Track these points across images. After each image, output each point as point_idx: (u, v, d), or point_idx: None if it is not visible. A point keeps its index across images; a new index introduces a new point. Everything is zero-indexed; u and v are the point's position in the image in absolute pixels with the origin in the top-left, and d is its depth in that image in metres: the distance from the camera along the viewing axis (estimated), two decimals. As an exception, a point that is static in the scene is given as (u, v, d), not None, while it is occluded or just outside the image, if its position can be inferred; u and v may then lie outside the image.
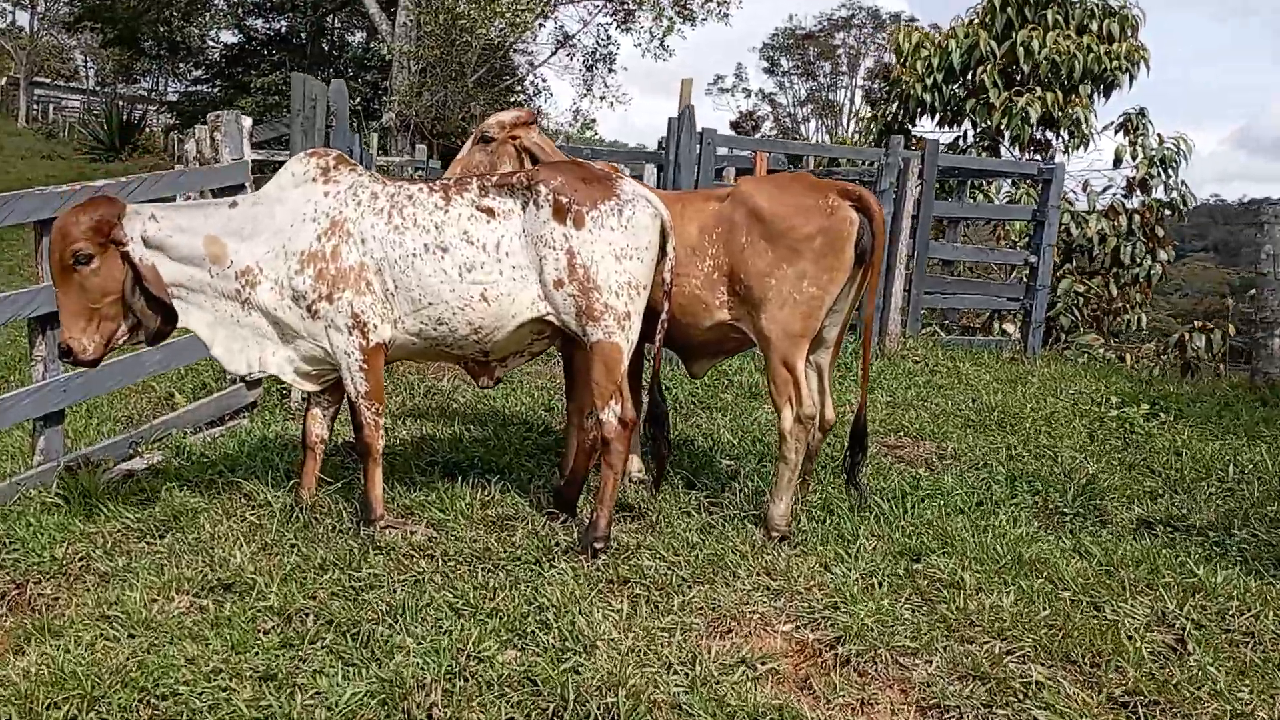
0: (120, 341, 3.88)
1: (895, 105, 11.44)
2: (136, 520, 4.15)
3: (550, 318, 3.92)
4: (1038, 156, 11.29)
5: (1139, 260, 10.41)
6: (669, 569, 3.75)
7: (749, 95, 60.36)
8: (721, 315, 4.22)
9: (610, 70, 26.53)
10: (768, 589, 3.60)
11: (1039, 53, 10.17)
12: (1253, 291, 9.38)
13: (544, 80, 27.96)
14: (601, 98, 26.57)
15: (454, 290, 3.88)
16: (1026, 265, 8.92)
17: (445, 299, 3.89)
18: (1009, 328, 9.88)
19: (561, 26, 26.04)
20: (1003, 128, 10.50)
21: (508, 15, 20.18)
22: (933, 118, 11.49)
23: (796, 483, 4.09)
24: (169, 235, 3.84)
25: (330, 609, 3.41)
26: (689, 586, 3.64)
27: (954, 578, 3.58)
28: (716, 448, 5.40)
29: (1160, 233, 10.71)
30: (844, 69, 58.81)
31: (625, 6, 25.03)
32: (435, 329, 3.96)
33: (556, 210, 3.82)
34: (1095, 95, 10.68)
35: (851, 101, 57.96)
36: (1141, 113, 10.89)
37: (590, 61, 26.22)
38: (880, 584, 3.58)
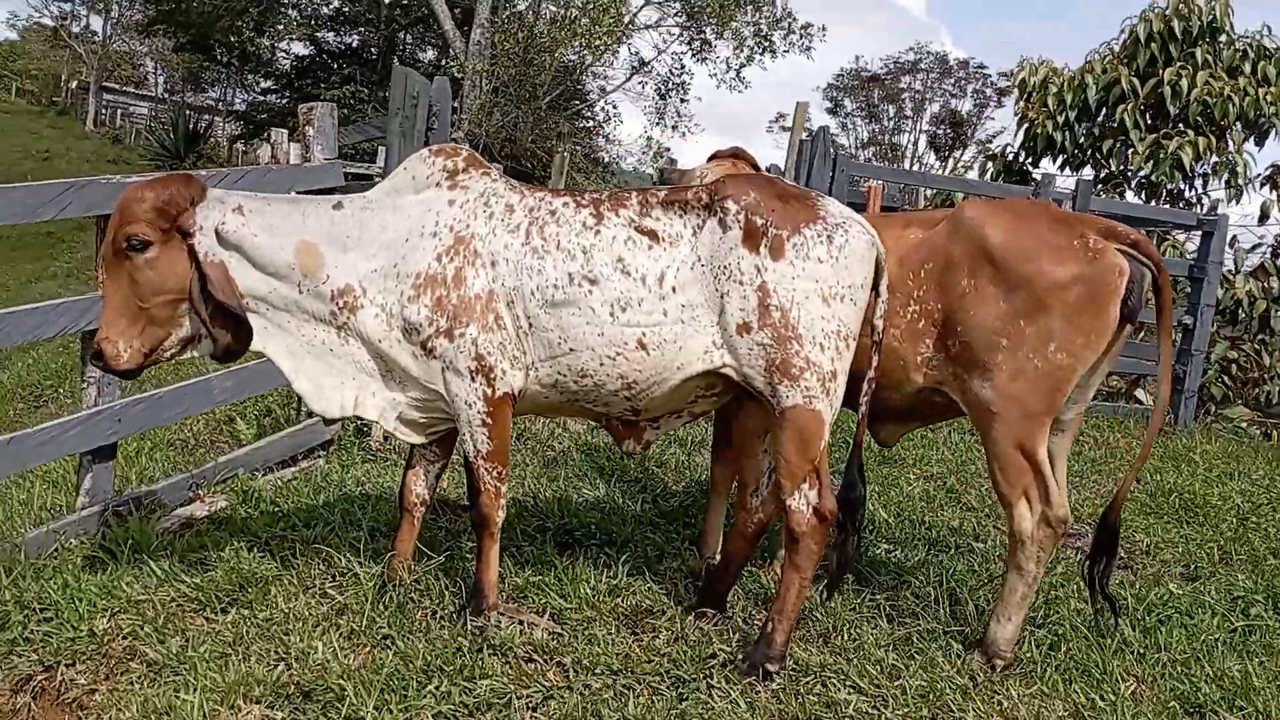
0: (167, 355, 3.11)
1: (1018, 143, 10.54)
2: (195, 587, 3.37)
3: (728, 371, 3.09)
4: (1191, 206, 10.35)
5: (1290, 326, 9.42)
6: (872, 707, 2.88)
7: (810, 135, 59.51)
8: (919, 378, 3.38)
9: (683, 100, 25.90)
10: (1015, 749, 2.73)
11: (1188, 93, 9.26)
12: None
13: (614, 106, 27.40)
14: (674, 127, 25.90)
15: (603, 334, 3.06)
16: (1179, 326, 7.98)
17: (590, 345, 3.07)
18: (1142, 395, 8.90)
19: (637, 52, 25.41)
20: (1143, 173, 9.57)
21: (586, 38, 19.60)
22: (1055, 159, 10.60)
23: (1030, 600, 3.21)
24: (254, 234, 3.07)
25: (444, 743, 2.59)
26: (903, 735, 2.77)
27: (1270, 752, 2.69)
28: (874, 530, 4.53)
29: (1314, 298, 9.71)
30: (908, 113, 57.97)
31: (702, 35, 24.44)
32: (576, 382, 3.14)
33: (748, 234, 2.99)
34: (1246, 142, 9.73)
35: (915, 146, 57.03)
36: (1292, 164, 9.93)
37: (664, 89, 25.61)
38: (1172, 755, 2.70)
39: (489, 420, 3.13)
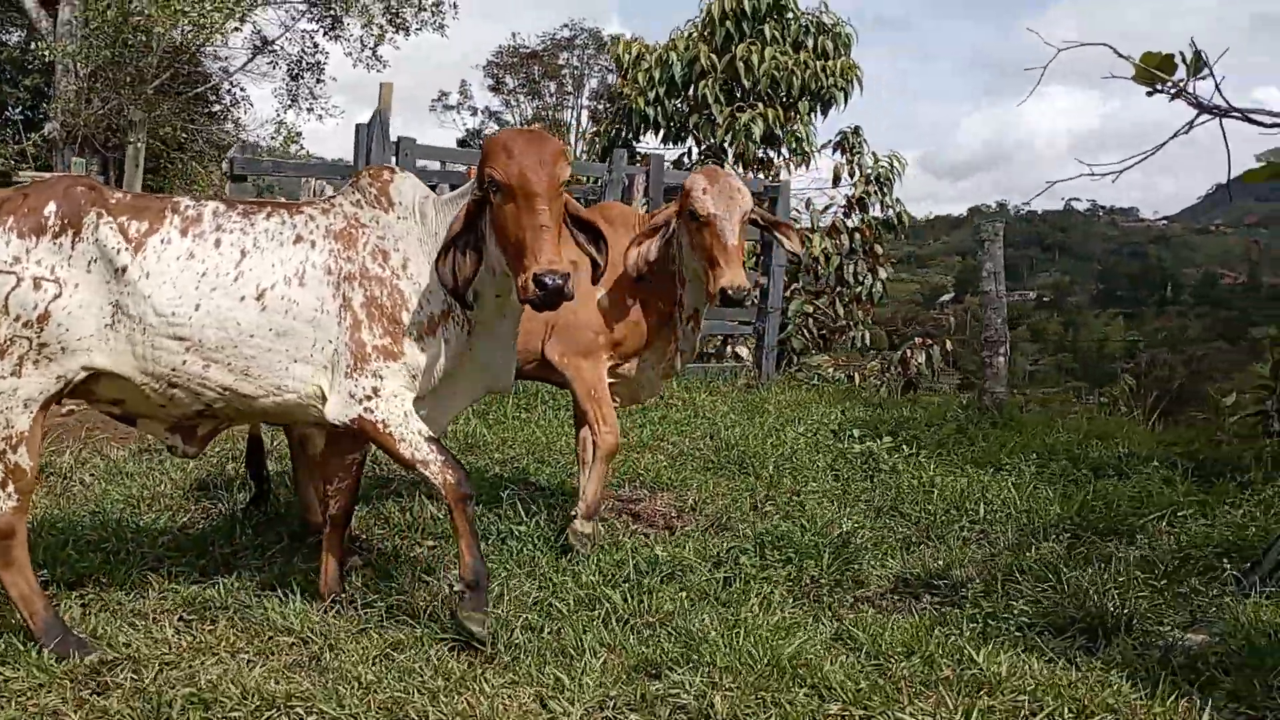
0: None
1: (618, 120, 10.89)
2: None
3: None
4: (760, 174, 11.10)
5: (861, 279, 10.43)
6: None
7: (475, 113, 59.29)
8: None
9: (319, 80, 24.61)
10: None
11: (759, 68, 9.94)
12: (944, 298, 9.67)
13: (242, 89, 25.63)
14: (309, 110, 24.54)
15: None
16: (756, 287, 8.55)
17: None
18: (742, 351, 9.51)
19: (260, 31, 23.70)
20: (726, 144, 10.20)
21: (192, 15, 18.01)
22: (656, 133, 11.04)
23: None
24: None
25: None
26: None
27: (703, 703, 2.79)
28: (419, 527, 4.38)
29: (879, 250, 10.80)
30: (569, 89, 59.07)
31: (332, 13, 23.31)
32: None
33: None
34: (814, 112, 10.62)
35: (578, 121, 58.35)
36: (856, 131, 10.93)
37: (295, 70, 24.19)
38: (612, 723, 2.74)
39: None
